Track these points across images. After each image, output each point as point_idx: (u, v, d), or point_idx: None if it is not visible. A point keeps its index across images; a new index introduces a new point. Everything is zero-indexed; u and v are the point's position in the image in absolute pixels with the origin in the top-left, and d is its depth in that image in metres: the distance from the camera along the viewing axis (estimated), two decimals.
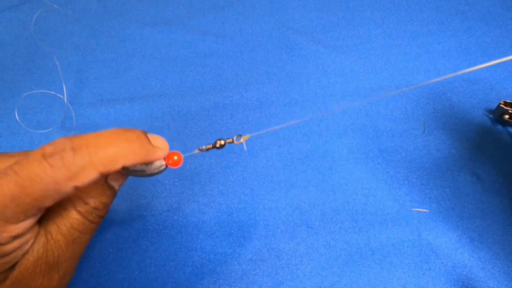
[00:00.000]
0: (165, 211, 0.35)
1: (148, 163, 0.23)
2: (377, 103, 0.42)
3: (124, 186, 0.35)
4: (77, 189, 0.19)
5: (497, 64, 0.45)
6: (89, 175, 0.19)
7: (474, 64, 0.45)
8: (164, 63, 0.46)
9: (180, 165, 0.24)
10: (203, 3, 0.54)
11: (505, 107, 0.39)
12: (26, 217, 0.19)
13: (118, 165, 0.20)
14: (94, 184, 0.21)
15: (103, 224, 0.34)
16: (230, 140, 0.25)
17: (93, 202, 0.22)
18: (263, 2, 0.54)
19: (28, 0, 0.54)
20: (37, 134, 0.40)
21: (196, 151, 0.25)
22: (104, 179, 0.23)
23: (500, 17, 0.51)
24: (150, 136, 0.22)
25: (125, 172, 0.22)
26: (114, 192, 0.23)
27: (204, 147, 0.25)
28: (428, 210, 0.35)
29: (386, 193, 0.36)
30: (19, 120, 0.40)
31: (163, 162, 0.23)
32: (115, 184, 0.23)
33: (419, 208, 0.35)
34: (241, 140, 0.25)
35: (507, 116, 0.39)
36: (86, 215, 0.22)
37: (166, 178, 0.37)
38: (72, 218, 0.21)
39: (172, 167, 0.24)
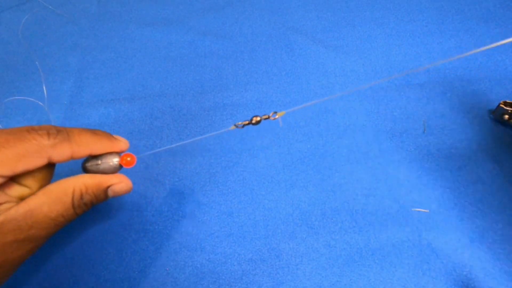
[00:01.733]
0: (165, 211, 0.35)
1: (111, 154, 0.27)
2: (377, 103, 0.42)
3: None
4: (50, 161, 0.24)
5: (497, 64, 0.45)
6: (65, 150, 0.24)
7: (474, 64, 0.45)
8: (164, 63, 0.47)
9: (133, 165, 0.28)
10: (203, 3, 0.54)
11: (505, 107, 0.39)
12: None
13: (87, 149, 0.26)
14: (94, 185, 0.26)
15: (103, 224, 0.34)
16: (266, 116, 0.26)
17: (87, 197, 0.26)
18: (263, 2, 0.54)
19: (27, 1, 0.54)
20: None
21: (232, 127, 0.27)
22: (106, 188, 0.27)
23: (500, 17, 0.51)
24: (114, 135, 0.28)
25: (84, 170, 0.27)
26: (106, 197, 0.28)
27: (240, 123, 0.26)
28: (428, 210, 0.35)
29: (386, 193, 0.36)
30: None
31: (117, 161, 0.28)
32: (111, 193, 0.27)
33: (419, 208, 0.35)
34: (277, 116, 0.26)
35: (507, 116, 0.39)
36: (77, 209, 0.26)
37: (166, 178, 0.37)
38: (67, 204, 0.25)
39: (125, 167, 0.28)
